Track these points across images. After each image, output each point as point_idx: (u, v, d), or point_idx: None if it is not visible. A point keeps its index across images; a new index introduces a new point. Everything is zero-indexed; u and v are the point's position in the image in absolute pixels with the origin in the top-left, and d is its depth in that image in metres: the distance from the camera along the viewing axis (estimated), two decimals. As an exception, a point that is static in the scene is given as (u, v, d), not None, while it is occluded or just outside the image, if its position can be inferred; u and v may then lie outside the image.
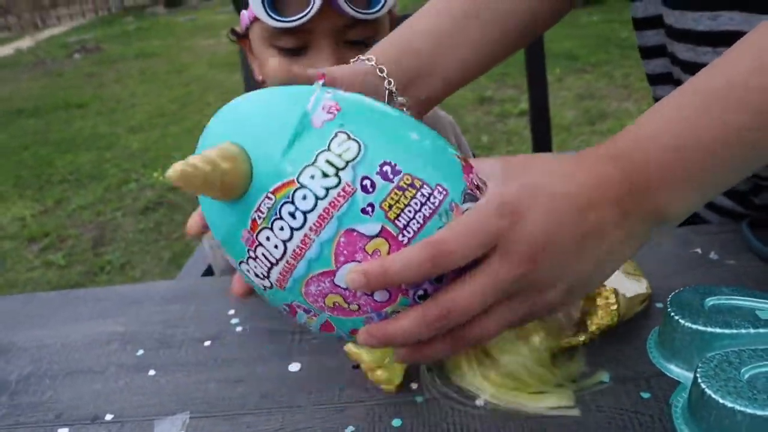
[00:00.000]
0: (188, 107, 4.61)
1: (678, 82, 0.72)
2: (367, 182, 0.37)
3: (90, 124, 4.53)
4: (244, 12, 0.79)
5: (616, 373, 0.53)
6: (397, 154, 0.38)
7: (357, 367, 0.55)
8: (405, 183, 0.37)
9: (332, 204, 0.36)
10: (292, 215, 0.37)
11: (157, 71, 5.88)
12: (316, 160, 0.37)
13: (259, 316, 0.67)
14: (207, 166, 0.36)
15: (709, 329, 0.41)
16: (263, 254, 0.38)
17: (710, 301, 0.44)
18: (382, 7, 0.74)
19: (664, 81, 0.74)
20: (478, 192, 0.40)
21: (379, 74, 0.50)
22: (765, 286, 0.61)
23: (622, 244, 0.39)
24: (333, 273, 0.37)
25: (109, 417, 0.56)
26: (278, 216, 0.37)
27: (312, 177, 0.36)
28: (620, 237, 0.39)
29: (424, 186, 0.37)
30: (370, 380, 0.54)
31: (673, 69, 0.71)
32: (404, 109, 0.48)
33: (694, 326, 0.42)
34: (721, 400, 0.36)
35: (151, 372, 0.61)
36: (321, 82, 0.42)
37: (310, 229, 0.37)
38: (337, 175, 0.36)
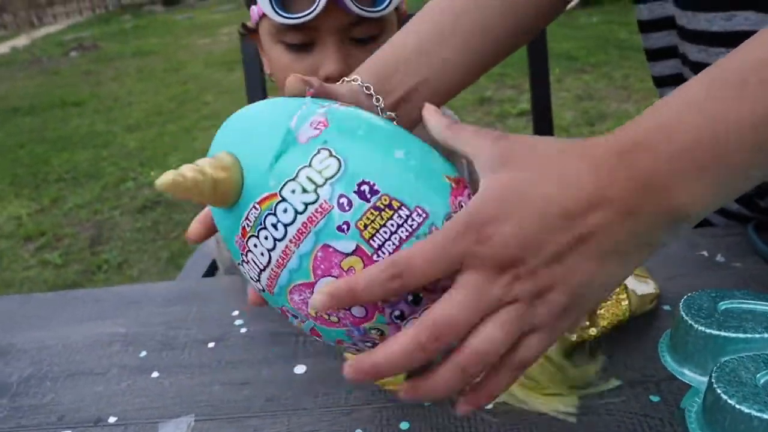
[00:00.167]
0: (185, 106, 4.60)
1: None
2: (344, 200, 0.37)
3: (87, 123, 4.51)
4: (254, 7, 0.79)
5: (625, 377, 0.53)
6: (378, 173, 0.38)
7: None
8: (382, 203, 0.37)
9: (310, 219, 0.37)
10: (275, 227, 0.38)
11: (155, 69, 5.87)
12: (297, 175, 0.38)
13: (263, 318, 0.66)
14: (198, 176, 0.37)
15: (723, 333, 0.41)
16: (253, 260, 0.40)
17: (723, 305, 0.43)
18: (388, 5, 0.74)
19: (673, 83, 0.74)
20: None
21: (366, 92, 0.50)
22: (773, 289, 0.61)
23: (628, 245, 0.37)
24: (312, 285, 0.38)
25: (112, 420, 0.55)
26: (263, 226, 0.39)
27: (293, 192, 0.38)
28: (625, 238, 0.37)
29: (403, 207, 0.37)
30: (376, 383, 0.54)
31: (683, 69, 0.70)
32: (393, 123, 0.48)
33: (708, 330, 0.41)
34: (737, 406, 0.36)
35: (155, 374, 0.60)
36: (309, 98, 0.42)
37: (291, 241, 0.38)
38: (315, 191, 0.37)
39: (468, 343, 0.36)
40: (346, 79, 0.51)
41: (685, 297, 0.45)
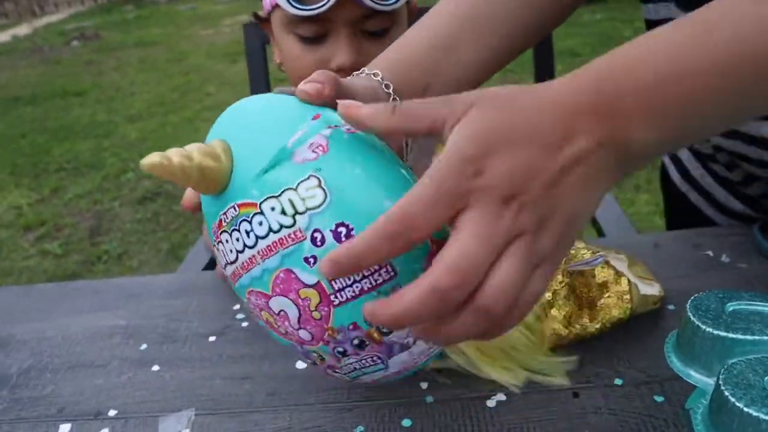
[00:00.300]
0: (187, 96, 4.59)
1: None
2: (318, 235, 0.37)
3: (88, 113, 4.50)
4: None
5: (629, 376, 0.52)
6: (360, 219, 0.37)
7: None
8: None
9: (281, 241, 0.38)
10: (248, 234, 0.39)
11: (157, 60, 5.85)
12: (281, 194, 0.38)
13: (264, 312, 0.66)
14: (185, 161, 0.37)
15: (731, 335, 0.40)
16: (222, 251, 0.41)
17: (731, 306, 0.43)
18: None
19: None
20: None
21: (386, 90, 0.49)
22: (778, 290, 0.61)
23: (599, 174, 0.37)
24: (269, 297, 0.40)
25: (112, 413, 0.55)
26: (237, 228, 0.39)
27: (272, 209, 0.38)
28: (604, 165, 0.37)
29: None
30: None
31: None
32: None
33: (716, 332, 0.41)
34: (745, 408, 0.35)
35: (155, 367, 0.60)
36: (315, 120, 0.40)
37: (258, 253, 0.39)
38: (293, 217, 0.37)
39: (489, 283, 0.34)
40: (366, 70, 0.50)
41: (692, 298, 0.44)
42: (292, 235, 0.37)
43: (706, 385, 0.41)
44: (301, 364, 0.58)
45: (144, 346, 0.63)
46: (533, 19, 0.58)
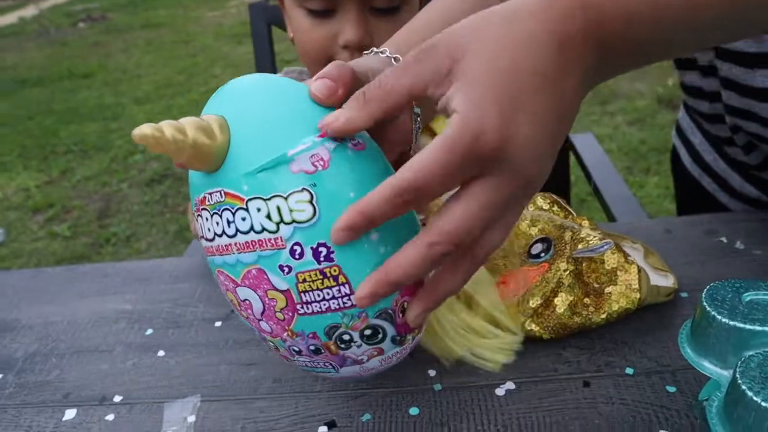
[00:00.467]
0: (194, 79, 4.57)
1: (708, 67, 0.70)
2: (297, 248, 0.37)
3: (95, 95, 4.49)
4: None
5: (640, 366, 0.51)
6: (342, 245, 0.37)
7: None
8: (330, 272, 0.37)
9: (260, 242, 0.37)
10: (229, 223, 0.38)
11: (164, 42, 5.82)
12: (270, 198, 0.37)
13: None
14: (177, 134, 0.36)
15: (748, 326, 0.39)
16: (201, 225, 0.41)
17: (748, 297, 0.42)
18: None
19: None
20: (399, 314, 0.40)
21: (395, 63, 0.48)
22: (794, 277, 0.60)
23: (578, 102, 0.37)
24: (237, 284, 0.40)
25: (117, 398, 0.55)
26: (219, 213, 0.39)
27: (258, 210, 0.37)
28: (582, 94, 0.37)
29: (346, 285, 0.38)
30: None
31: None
32: (418, 120, 0.46)
33: (732, 323, 0.40)
34: (763, 403, 0.34)
35: (161, 353, 0.60)
36: (322, 137, 0.38)
37: (235, 244, 0.38)
38: (278, 224, 0.37)
39: (481, 244, 0.37)
40: (375, 49, 0.49)
41: (707, 287, 0.43)
42: (272, 241, 0.37)
43: (721, 376, 0.40)
44: (307, 351, 0.57)
45: (150, 332, 0.63)
46: None
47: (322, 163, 0.37)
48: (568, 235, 0.58)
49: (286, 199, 0.37)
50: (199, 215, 0.41)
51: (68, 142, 3.67)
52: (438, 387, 0.51)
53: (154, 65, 5.08)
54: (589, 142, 1.29)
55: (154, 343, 0.61)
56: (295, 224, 0.37)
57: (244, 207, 0.37)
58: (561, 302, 0.54)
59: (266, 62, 1.15)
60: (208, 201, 0.39)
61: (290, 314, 0.39)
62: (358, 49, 0.75)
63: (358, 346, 0.40)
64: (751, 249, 0.64)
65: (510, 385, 0.51)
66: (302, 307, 0.38)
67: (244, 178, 0.37)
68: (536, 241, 0.59)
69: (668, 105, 3.03)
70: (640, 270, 0.56)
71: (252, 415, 0.51)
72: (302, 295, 0.38)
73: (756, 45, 0.63)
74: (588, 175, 1.20)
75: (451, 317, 0.53)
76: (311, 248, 0.37)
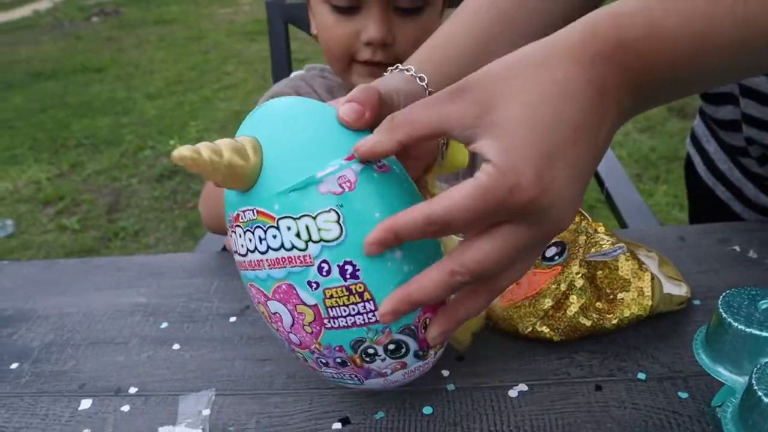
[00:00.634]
0: (206, 75, 4.58)
1: None
2: (325, 266, 0.39)
3: (107, 89, 4.51)
4: None
5: (652, 371, 0.52)
6: (368, 262, 0.39)
7: None
8: (356, 289, 0.39)
9: (290, 259, 0.39)
10: (261, 240, 0.40)
11: (176, 38, 5.84)
12: (300, 217, 0.39)
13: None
14: (214, 156, 0.38)
15: (764, 333, 0.39)
16: (234, 240, 0.43)
17: (764, 304, 0.42)
18: None
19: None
20: (422, 329, 0.42)
21: (419, 83, 0.49)
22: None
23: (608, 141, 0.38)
24: (267, 297, 0.42)
25: (132, 390, 0.55)
26: (251, 230, 0.41)
27: (288, 228, 0.39)
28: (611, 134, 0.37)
29: (371, 301, 0.39)
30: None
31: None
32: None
33: (748, 329, 0.40)
34: (778, 410, 0.35)
35: (176, 346, 0.60)
36: (349, 159, 0.40)
37: (267, 260, 0.40)
38: (307, 243, 0.39)
39: (504, 275, 0.39)
40: (400, 66, 0.50)
41: (723, 294, 0.43)
42: (301, 258, 0.39)
43: (736, 383, 0.41)
44: (321, 348, 0.58)
45: (164, 325, 0.64)
46: (566, 10, 0.57)
47: (348, 184, 0.39)
48: (582, 238, 0.58)
49: (314, 218, 0.38)
50: (233, 231, 0.43)
51: (79, 135, 3.68)
52: (451, 387, 0.52)
53: (166, 61, 5.10)
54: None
55: (169, 337, 0.62)
56: (322, 243, 0.38)
57: (275, 225, 0.39)
58: (572, 304, 0.55)
59: (282, 60, 1.16)
60: (242, 218, 0.41)
61: (318, 328, 0.41)
62: (380, 46, 0.75)
63: (383, 360, 0.42)
64: (764, 258, 0.64)
65: (523, 386, 0.51)
66: (329, 322, 0.40)
67: (275, 197, 0.39)
68: (551, 245, 0.60)
69: (679, 113, 3.03)
70: (653, 277, 0.56)
71: (267, 410, 0.51)
72: (329, 310, 0.40)
73: None
74: (600, 182, 1.20)
75: None
76: (338, 266, 0.39)
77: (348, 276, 0.39)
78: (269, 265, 0.40)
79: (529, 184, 0.34)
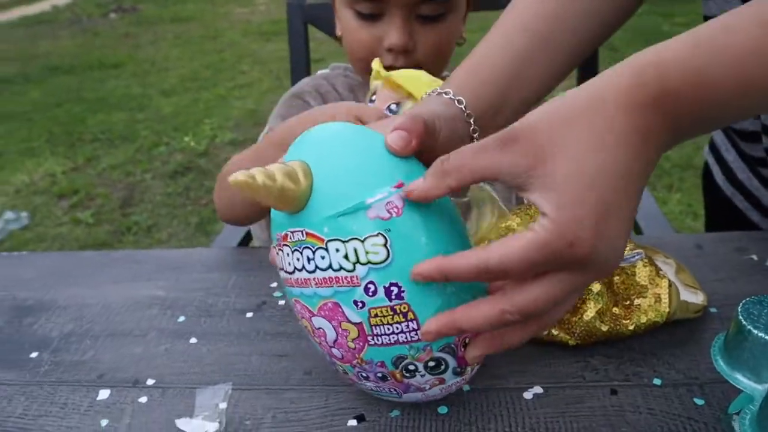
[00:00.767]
0: (221, 74, 4.61)
1: None
2: (371, 287, 0.40)
3: (123, 85, 4.55)
4: None
5: (668, 377, 0.52)
6: (412, 284, 0.40)
7: None
8: (400, 309, 0.40)
9: (337, 279, 0.41)
10: (309, 260, 0.42)
11: (192, 36, 5.87)
12: (348, 240, 0.40)
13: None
14: (268, 181, 0.39)
15: (784, 342, 0.39)
16: (282, 259, 0.44)
17: (783, 312, 0.42)
18: None
19: None
20: (461, 348, 0.43)
21: (458, 105, 0.51)
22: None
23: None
24: (312, 314, 0.44)
25: (150, 382, 0.56)
26: (300, 251, 0.42)
27: (337, 250, 0.40)
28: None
29: (414, 321, 0.41)
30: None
31: None
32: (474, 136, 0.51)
33: (767, 337, 0.40)
34: (798, 418, 0.35)
35: (193, 340, 0.61)
36: (397, 187, 0.41)
37: (314, 279, 0.42)
38: (354, 264, 0.40)
39: (550, 315, 0.41)
40: (438, 89, 0.51)
41: (743, 302, 0.43)
42: (349, 279, 0.40)
43: (755, 390, 0.41)
44: (337, 345, 0.58)
45: (182, 318, 0.64)
46: (600, 30, 0.58)
47: (396, 210, 0.40)
48: (600, 244, 0.58)
49: (362, 242, 0.40)
50: (280, 249, 0.44)
51: (95, 130, 3.71)
52: (467, 388, 0.52)
53: (181, 58, 5.13)
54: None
55: (186, 330, 0.62)
56: (370, 265, 0.40)
57: (324, 247, 0.41)
58: (589, 309, 0.55)
59: (301, 60, 1.16)
60: (290, 238, 0.43)
61: (361, 344, 0.43)
62: (401, 52, 0.76)
63: (422, 376, 0.44)
64: (782, 268, 0.64)
65: (538, 389, 0.51)
66: (373, 339, 0.42)
67: (325, 221, 0.40)
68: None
69: (695, 122, 3.01)
70: (670, 284, 0.56)
71: (283, 405, 0.52)
72: (373, 328, 0.41)
73: None
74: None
75: None
76: (384, 287, 0.40)
77: (393, 297, 0.40)
78: (316, 284, 0.42)
79: (588, 239, 0.35)
